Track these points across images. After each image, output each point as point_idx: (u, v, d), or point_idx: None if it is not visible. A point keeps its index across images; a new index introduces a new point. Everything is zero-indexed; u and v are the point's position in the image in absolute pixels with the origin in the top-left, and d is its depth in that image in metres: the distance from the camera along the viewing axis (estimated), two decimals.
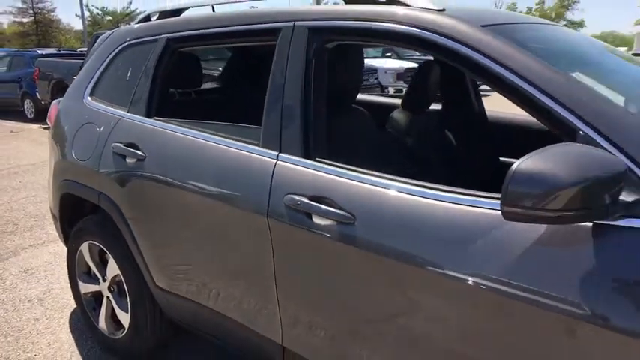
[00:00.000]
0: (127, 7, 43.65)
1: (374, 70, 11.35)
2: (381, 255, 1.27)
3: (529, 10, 65.99)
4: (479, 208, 1.13)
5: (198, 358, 2.35)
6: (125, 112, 2.13)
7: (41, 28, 41.62)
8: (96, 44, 2.54)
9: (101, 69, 2.37)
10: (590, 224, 1.00)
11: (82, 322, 2.59)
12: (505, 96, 1.18)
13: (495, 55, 1.19)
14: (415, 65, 12.88)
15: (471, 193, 1.16)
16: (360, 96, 2.69)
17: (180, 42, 2.03)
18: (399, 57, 13.77)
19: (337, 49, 1.64)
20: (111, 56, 2.34)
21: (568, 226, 1.01)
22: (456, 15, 1.34)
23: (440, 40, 1.29)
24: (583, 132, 1.05)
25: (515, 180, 0.91)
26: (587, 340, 0.99)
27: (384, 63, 12.32)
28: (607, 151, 1.01)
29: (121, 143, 2.04)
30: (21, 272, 3.32)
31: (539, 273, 1.04)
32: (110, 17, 42.64)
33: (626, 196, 0.96)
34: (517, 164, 0.91)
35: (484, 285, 1.10)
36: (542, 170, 0.89)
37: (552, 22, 1.85)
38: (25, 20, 42.02)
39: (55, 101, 2.67)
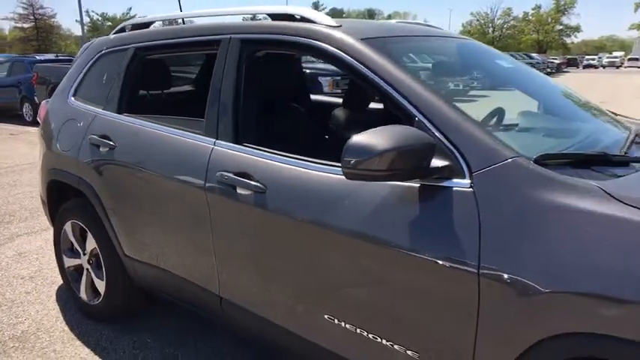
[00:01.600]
0: (127, 13, 44.21)
1: None
2: (284, 216, 1.66)
3: (525, 15, 66.69)
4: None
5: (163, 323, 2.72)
6: (101, 110, 2.52)
7: (41, 33, 42.21)
8: (79, 52, 2.94)
9: (82, 73, 2.76)
10: (418, 184, 1.38)
11: (67, 293, 2.97)
12: (371, 91, 1.56)
13: (365, 61, 1.58)
14: None
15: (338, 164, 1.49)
16: (322, 98, 3.11)
17: (145, 50, 2.42)
18: None
19: (267, 57, 2.03)
20: (90, 62, 2.73)
21: (404, 185, 1.39)
22: (345, 29, 1.72)
23: (330, 49, 1.67)
24: (418, 118, 1.43)
25: (348, 150, 1.28)
26: (414, 268, 1.36)
27: None
28: (431, 131, 1.39)
29: (96, 135, 2.43)
30: (15, 255, 3.70)
31: (386, 222, 1.42)
32: (110, 23, 43.14)
33: (438, 163, 1.34)
34: (351, 138, 1.29)
35: (349, 232, 1.48)
36: (367, 141, 1.27)
37: (450, 35, 2.22)
38: (26, 26, 42.67)
39: (44, 101, 3.06)
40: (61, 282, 3.10)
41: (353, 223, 1.48)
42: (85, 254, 2.72)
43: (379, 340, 1.50)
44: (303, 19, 1.85)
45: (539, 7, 65.03)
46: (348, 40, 1.66)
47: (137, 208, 2.27)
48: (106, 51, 2.66)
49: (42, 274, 3.38)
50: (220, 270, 1.95)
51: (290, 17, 1.91)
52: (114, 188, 2.36)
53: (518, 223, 1.22)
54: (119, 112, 2.43)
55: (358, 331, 1.54)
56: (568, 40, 67.98)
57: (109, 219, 2.41)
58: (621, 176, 1.32)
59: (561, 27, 64.82)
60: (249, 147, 1.84)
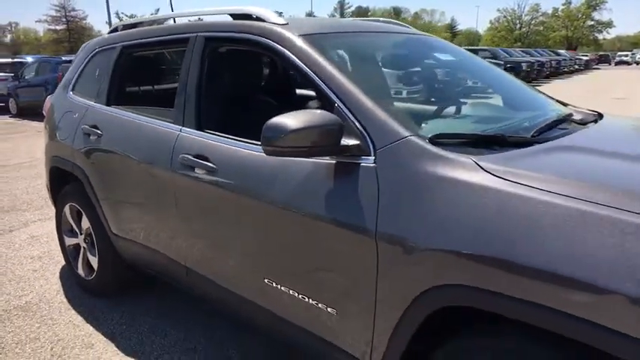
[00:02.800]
0: (155, 14, 45.38)
1: None
2: (230, 192, 1.88)
3: (555, 11, 65.24)
4: None
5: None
6: (93, 102, 2.80)
7: (73, 35, 43.68)
8: (79, 51, 3.23)
9: (80, 70, 3.05)
10: (334, 161, 1.58)
11: (69, 271, 3.27)
12: (303, 81, 1.76)
13: (300, 55, 1.78)
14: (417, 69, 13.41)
15: None
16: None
17: (130, 48, 2.68)
18: None
19: (230, 52, 2.25)
20: (87, 60, 3.02)
21: (323, 162, 1.59)
22: (290, 27, 1.93)
23: (273, 45, 1.88)
24: (337, 104, 1.63)
25: (265, 129, 1.49)
26: (330, 235, 1.55)
27: None
28: (347, 115, 1.58)
29: (87, 125, 2.70)
30: (28, 238, 4.04)
31: (308, 194, 1.62)
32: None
33: (350, 142, 1.54)
34: (269, 120, 1.50)
35: (281, 204, 1.69)
36: (281, 122, 1.47)
37: (407, 32, 2.40)
38: (58, 28, 44.25)
39: (49, 96, 3.37)
40: (64, 262, 3.40)
41: (283, 196, 1.69)
42: (81, 234, 3.00)
43: (307, 299, 1.70)
44: (257, 19, 2.07)
45: (569, 2, 63.55)
46: (289, 36, 1.87)
47: (120, 189, 2.53)
48: (99, 49, 2.93)
49: (49, 254, 3.69)
50: (185, 243, 2.19)
51: (248, 17, 2.13)
52: (101, 172, 2.63)
53: (407, 192, 1.41)
54: (108, 105, 2.70)
55: (291, 292, 1.75)
56: (599, 36, 66.18)
57: (99, 200, 2.68)
58: (505, 152, 1.48)
59: (592, 23, 63.18)
60: (208, 133, 2.07)
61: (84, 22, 48.30)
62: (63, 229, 3.17)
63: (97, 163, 2.64)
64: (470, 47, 26.44)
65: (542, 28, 65.19)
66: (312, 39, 1.86)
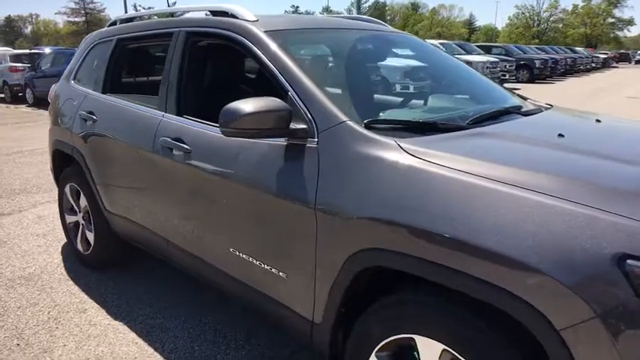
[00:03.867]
0: (171, 7, 45.88)
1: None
2: (201, 171, 2.11)
3: (575, 7, 64.26)
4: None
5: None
6: (90, 90, 3.05)
7: (92, 27, 44.43)
8: (81, 42, 3.48)
9: (80, 60, 3.31)
10: (286, 143, 1.79)
11: (70, 247, 3.54)
12: (263, 72, 1.97)
13: (263, 49, 1.99)
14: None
15: None
16: None
17: (124, 41, 2.93)
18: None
19: (207, 46, 2.47)
20: (87, 51, 3.27)
21: (277, 144, 1.80)
22: (258, 23, 2.14)
23: (240, 39, 2.10)
24: (290, 93, 1.84)
25: (223, 113, 1.71)
26: (280, 207, 1.77)
27: (390, 62, 12.97)
28: (298, 103, 1.79)
29: (84, 111, 2.96)
30: (35, 218, 4.34)
31: (263, 172, 1.84)
32: (156, 17, 44.79)
33: (299, 126, 1.75)
34: (226, 105, 1.71)
35: (242, 181, 1.91)
36: (236, 106, 1.68)
37: (374, 28, 2.60)
38: (77, 20, 45.05)
39: (54, 85, 3.64)
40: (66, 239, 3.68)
41: (243, 174, 1.91)
42: (80, 212, 3.27)
43: (263, 265, 1.92)
44: (232, 15, 2.29)
45: None
46: (255, 31, 2.08)
47: (112, 170, 2.78)
48: (98, 41, 3.18)
49: (54, 233, 3.97)
50: (165, 218, 2.43)
51: (225, 13, 2.34)
52: (96, 154, 2.88)
53: (341, 169, 1.62)
54: (103, 92, 2.95)
55: (250, 259, 1.97)
56: (620, 34, 65.00)
57: (94, 180, 2.94)
58: (430, 136, 1.68)
59: (613, 20, 62.09)
60: (186, 118, 2.30)
61: (102, 14, 49.15)
62: (64, 208, 3.43)
63: (93, 146, 2.90)
64: (483, 44, 26.36)
65: (560, 25, 64.29)
66: (276, 34, 2.07)
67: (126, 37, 2.92)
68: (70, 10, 47.40)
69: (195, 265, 2.33)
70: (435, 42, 17.67)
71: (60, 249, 3.65)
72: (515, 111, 2.20)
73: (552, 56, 24.97)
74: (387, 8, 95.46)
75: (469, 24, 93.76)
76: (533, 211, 1.25)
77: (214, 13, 2.42)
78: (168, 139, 2.27)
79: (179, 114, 2.34)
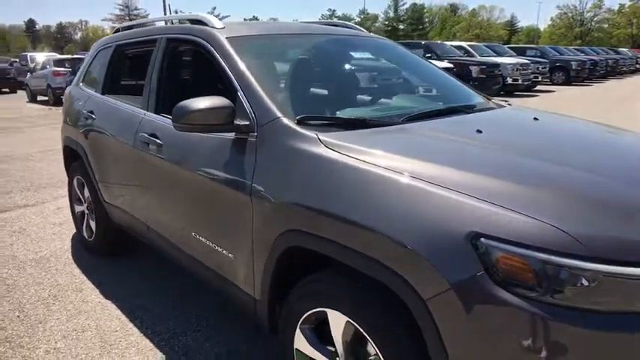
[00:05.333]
0: (211, 12, 47.26)
1: None
2: (169, 162, 2.35)
3: (621, 7, 61.67)
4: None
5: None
6: (93, 92, 3.37)
7: None
8: (90, 48, 3.82)
9: (88, 65, 3.64)
10: (233, 137, 2.00)
11: (78, 235, 3.88)
12: (219, 74, 2.19)
13: (222, 54, 2.22)
14: (449, 65, 13.53)
15: None
16: None
17: (121, 47, 3.23)
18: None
19: (183, 50, 2.72)
20: (93, 56, 3.60)
21: (225, 138, 2.02)
22: (223, 30, 2.36)
23: (205, 44, 2.33)
24: (239, 93, 2.05)
25: (174, 110, 1.93)
26: (227, 194, 1.98)
27: None
28: (244, 102, 2.00)
29: (86, 110, 3.27)
30: (55, 209, 4.73)
31: (214, 163, 2.05)
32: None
33: (243, 122, 1.95)
34: (178, 103, 1.94)
35: (198, 171, 2.14)
36: (185, 104, 1.90)
37: (343, 33, 2.80)
38: None
39: (67, 87, 3.99)
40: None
41: (200, 165, 2.14)
42: (85, 202, 3.59)
43: (216, 247, 2.14)
44: (204, 23, 2.52)
45: None
46: (218, 37, 2.31)
47: (106, 163, 3.08)
48: (102, 47, 3.50)
49: (69, 222, 4.32)
50: (145, 205, 2.69)
51: (200, 22, 2.59)
52: (94, 149, 3.19)
53: (272, 159, 1.82)
54: (102, 93, 3.26)
55: (208, 242, 2.19)
56: None
57: (94, 173, 3.24)
58: (352, 131, 1.85)
59: None
60: (162, 115, 2.55)
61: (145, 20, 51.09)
62: (73, 198, 3.78)
63: (92, 142, 3.21)
64: (517, 46, 25.84)
65: (606, 25, 61.92)
66: (235, 40, 2.29)
67: (122, 44, 3.22)
68: (115, 16, 49.65)
69: (170, 249, 2.57)
70: (464, 44, 17.52)
71: (71, 236, 4.00)
72: (463, 109, 2.34)
73: (591, 58, 24.20)
74: (425, 10, 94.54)
75: (510, 25, 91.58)
76: (413, 196, 1.42)
77: (192, 21, 2.67)
78: (145, 135, 2.53)
79: (157, 112, 2.60)
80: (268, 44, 2.49)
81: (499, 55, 17.85)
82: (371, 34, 3.24)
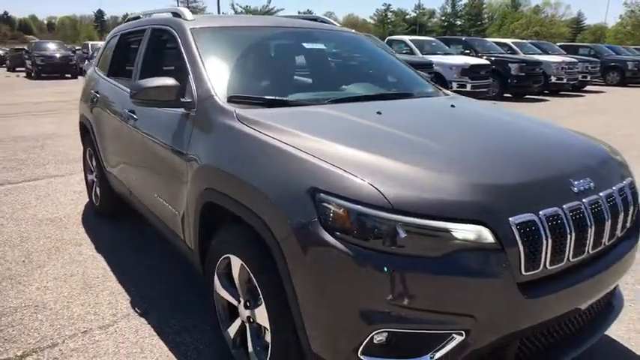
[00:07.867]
0: (267, 5, 48.26)
1: (429, 65, 12.19)
2: (141, 134, 2.76)
3: None
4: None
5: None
6: (102, 74, 3.85)
7: None
8: (107, 37, 4.32)
9: (102, 51, 4.14)
10: (182, 112, 2.37)
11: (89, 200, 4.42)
12: (181, 65, 2.56)
13: (184, 43, 2.59)
14: (485, 62, 13.37)
15: None
16: None
17: (123, 36, 3.68)
18: (477, 53, 14.61)
19: (164, 39, 3.12)
20: (107, 43, 4.09)
21: (177, 112, 2.38)
22: (192, 22, 2.74)
23: (174, 33, 2.71)
24: (190, 76, 2.41)
25: (131, 87, 2.32)
26: (173, 158, 2.35)
27: (447, 59, 12.97)
28: (192, 84, 2.36)
29: (93, 90, 3.76)
30: (79, 179, 5.31)
31: (168, 132, 2.44)
32: (251, 15, 47.21)
33: (188, 99, 2.32)
34: (135, 81, 2.32)
35: (157, 140, 2.53)
36: (140, 82, 2.29)
37: (313, 27, 3.10)
38: None
39: (88, 70, 4.52)
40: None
41: (159, 135, 2.53)
42: (93, 171, 4.10)
43: (168, 205, 2.52)
44: (179, 15, 2.91)
45: None
46: (184, 28, 2.69)
47: (104, 135, 3.55)
48: (113, 36, 3.99)
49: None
50: (127, 172, 3.13)
51: (178, 14, 2.97)
52: (97, 124, 3.67)
53: (202, 130, 2.18)
54: (108, 76, 3.73)
55: (165, 203, 2.58)
56: None
57: (98, 145, 3.73)
58: (269, 109, 2.17)
59: None
60: None
61: (203, 12, 52.95)
62: (86, 169, 4.31)
63: (96, 117, 3.69)
64: (568, 44, 24.83)
65: None
66: (197, 30, 2.66)
67: (125, 33, 3.69)
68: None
69: (145, 211, 3.00)
70: (509, 41, 17.16)
71: (85, 202, 4.54)
72: (395, 96, 2.61)
73: None
74: (484, 6, 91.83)
75: (576, 23, 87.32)
76: (284, 160, 1.74)
77: (173, 13, 3.06)
78: (126, 111, 2.95)
79: None
80: (228, 35, 2.84)
81: (545, 52, 17.34)
82: (343, 28, 3.52)
